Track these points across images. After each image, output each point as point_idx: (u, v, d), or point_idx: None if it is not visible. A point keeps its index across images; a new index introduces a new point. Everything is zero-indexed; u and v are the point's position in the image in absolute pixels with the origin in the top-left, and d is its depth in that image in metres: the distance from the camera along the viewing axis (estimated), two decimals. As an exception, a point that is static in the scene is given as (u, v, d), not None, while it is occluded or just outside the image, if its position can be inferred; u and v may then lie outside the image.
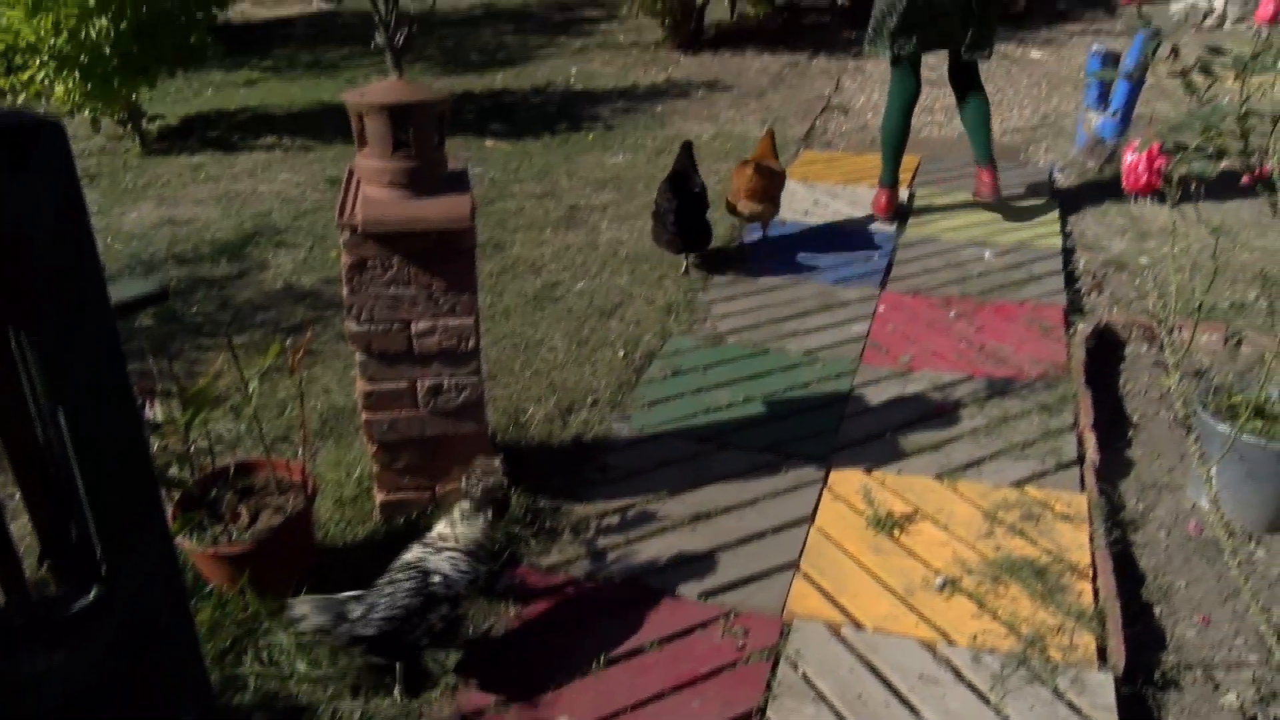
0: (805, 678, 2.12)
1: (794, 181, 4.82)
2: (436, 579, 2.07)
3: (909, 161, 4.94)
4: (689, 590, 2.37)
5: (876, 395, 3.17)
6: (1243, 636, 2.24)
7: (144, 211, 4.98)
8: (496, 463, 2.22)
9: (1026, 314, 3.63)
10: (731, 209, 4.18)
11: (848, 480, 2.75)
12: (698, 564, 2.45)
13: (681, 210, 3.87)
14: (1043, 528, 2.55)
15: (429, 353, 2.45)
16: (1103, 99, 4.98)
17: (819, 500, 2.68)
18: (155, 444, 2.26)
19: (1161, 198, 1.94)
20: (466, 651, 2.20)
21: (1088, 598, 2.31)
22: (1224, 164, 2.13)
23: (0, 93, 5.59)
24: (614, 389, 3.24)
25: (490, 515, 2.18)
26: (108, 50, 5.27)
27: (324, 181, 5.30)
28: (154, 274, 4.23)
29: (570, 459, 2.88)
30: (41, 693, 0.64)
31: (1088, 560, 2.43)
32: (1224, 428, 2.46)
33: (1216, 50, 2.16)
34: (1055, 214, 4.51)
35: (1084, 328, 3.47)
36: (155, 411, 2.26)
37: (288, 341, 3.44)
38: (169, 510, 2.31)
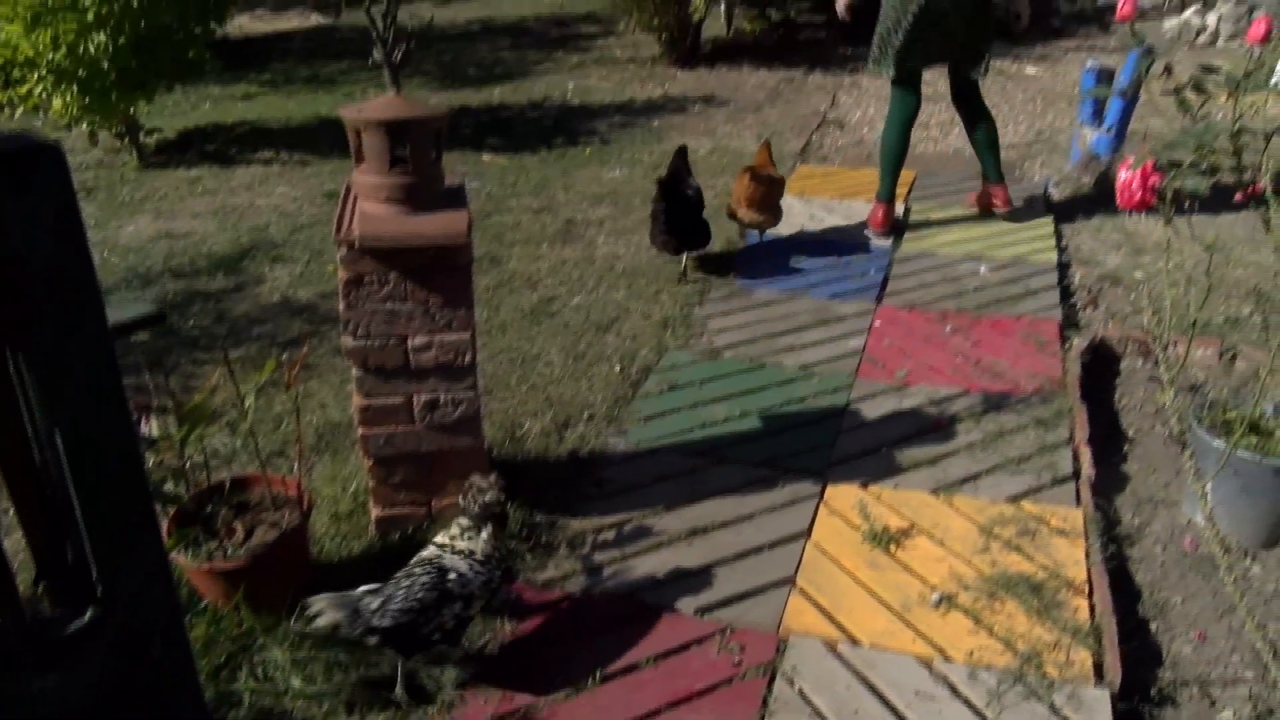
0: (802, 694, 2.12)
1: (790, 196, 4.83)
2: (453, 576, 2.10)
3: (905, 177, 4.97)
4: (685, 606, 2.36)
5: (873, 410, 3.17)
6: (1239, 653, 2.24)
7: (141, 225, 4.98)
8: (490, 479, 2.22)
9: (1022, 329, 3.64)
10: (732, 215, 4.31)
11: (844, 495, 2.75)
12: (694, 579, 2.45)
13: (672, 211, 3.99)
14: (1039, 543, 2.55)
15: (425, 368, 2.45)
16: (1097, 115, 5.01)
17: (815, 515, 2.68)
18: (151, 460, 2.26)
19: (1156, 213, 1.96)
20: (462, 668, 2.19)
21: (1084, 613, 2.31)
22: (1217, 178, 2.14)
23: (-2, 106, 5.61)
24: (610, 404, 3.24)
25: (491, 529, 2.18)
26: (106, 65, 5.29)
27: (321, 195, 5.31)
28: (150, 287, 4.23)
29: (566, 474, 2.88)
30: (35, 715, 0.64)
31: (1084, 576, 2.43)
32: (1219, 443, 2.46)
33: (1209, 68, 2.18)
34: (1051, 229, 4.53)
35: (1079, 342, 3.48)
36: (151, 427, 2.26)
37: (284, 356, 3.45)
38: (164, 526, 2.30)
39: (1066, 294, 3.96)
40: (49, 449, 0.62)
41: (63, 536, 0.67)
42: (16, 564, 0.74)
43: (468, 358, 2.45)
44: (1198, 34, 8.14)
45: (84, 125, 5.70)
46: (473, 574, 2.12)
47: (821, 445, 2.98)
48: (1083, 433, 2.95)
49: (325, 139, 6.25)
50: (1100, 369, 3.41)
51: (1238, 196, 2.20)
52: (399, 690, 2.09)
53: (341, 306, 2.37)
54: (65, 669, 0.65)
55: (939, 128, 6.15)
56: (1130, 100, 4.80)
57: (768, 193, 4.24)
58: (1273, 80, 2.18)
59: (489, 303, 3.97)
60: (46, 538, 0.67)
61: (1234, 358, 3.38)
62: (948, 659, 2.20)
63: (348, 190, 2.44)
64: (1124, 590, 2.42)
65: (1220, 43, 8.02)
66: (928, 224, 4.66)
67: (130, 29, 5.34)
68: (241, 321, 3.90)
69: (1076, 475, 2.81)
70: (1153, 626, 2.33)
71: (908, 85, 4.35)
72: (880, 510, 2.68)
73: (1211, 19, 8.15)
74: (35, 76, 5.33)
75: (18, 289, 0.57)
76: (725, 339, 3.64)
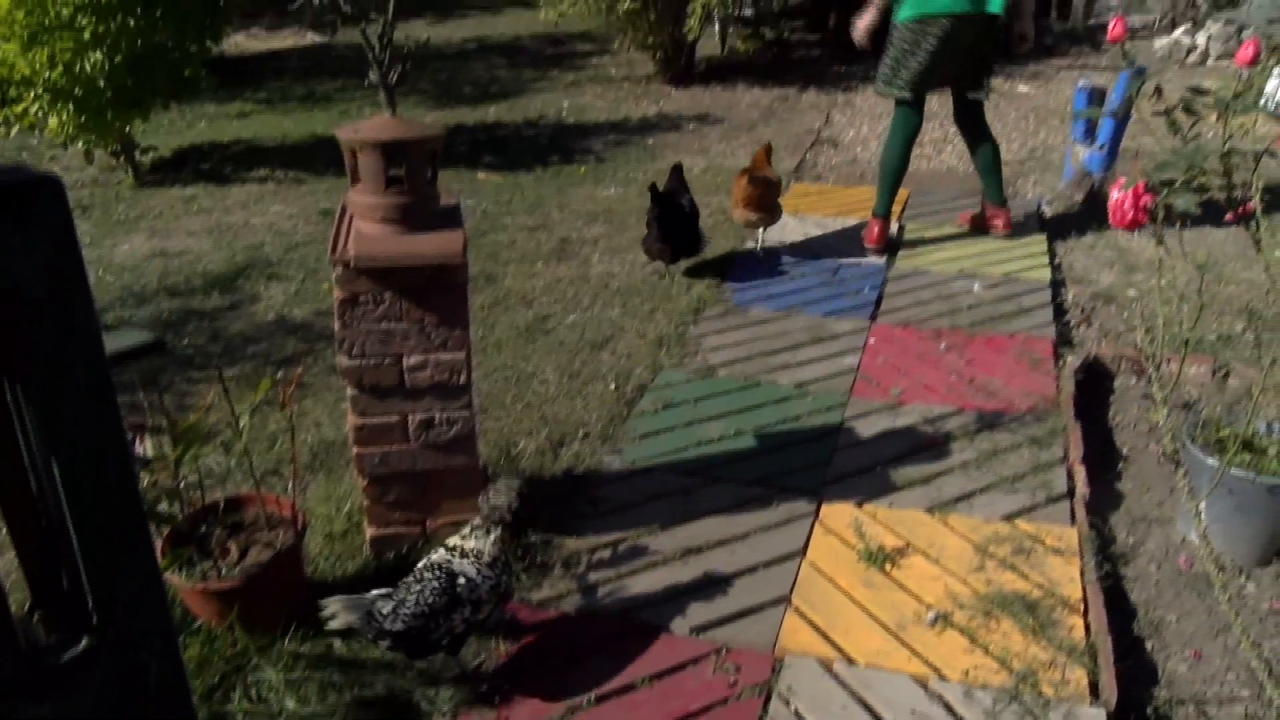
0: (797, 714, 2.11)
1: (785, 214, 4.85)
2: (461, 581, 2.11)
3: (899, 195, 4.99)
4: (680, 625, 2.36)
5: (867, 428, 3.18)
6: (1234, 671, 2.24)
7: (136, 243, 4.99)
8: (509, 484, 2.23)
9: (1016, 346, 3.65)
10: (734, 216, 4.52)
11: (839, 514, 2.75)
12: (689, 599, 2.44)
13: (666, 219, 4.18)
14: (1034, 561, 2.55)
15: (420, 387, 2.45)
16: (1090, 133, 5.05)
17: (810, 534, 2.68)
18: (145, 480, 2.25)
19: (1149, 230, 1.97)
20: (458, 688, 2.18)
21: (1079, 632, 2.31)
22: (1208, 196, 2.16)
23: (-6, 125, 5.62)
24: (605, 422, 3.24)
25: (499, 533, 2.19)
26: (102, 83, 5.31)
27: (316, 214, 5.32)
28: (145, 305, 4.22)
29: (561, 492, 2.88)
30: (29, 743, 0.64)
31: (1079, 594, 2.43)
32: (1212, 461, 2.47)
33: (1199, 90, 2.20)
34: (1044, 246, 4.56)
35: (1073, 360, 3.49)
36: (145, 447, 2.26)
37: (279, 375, 3.44)
38: (158, 546, 2.29)
39: (1060, 312, 3.97)
40: (46, 478, 0.62)
41: (58, 564, 0.67)
42: (9, 585, 0.74)
43: (463, 377, 2.46)
44: (1188, 53, 8.21)
45: (79, 144, 5.71)
46: (480, 579, 2.14)
47: (816, 464, 2.98)
48: (1077, 451, 2.95)
49: (321, 157, 6.27)
50: (1094, 387, 3.42)
51: (1228, 217, 2.21)
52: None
53: (337, 326, 2.38)
54: (60, 697, 0.65)
55: (932, 145, 6.18)
56: (1122, 119, 4.84)
57: (764, 193, 4.38)
58: (1261, 102, 2.20)
59: (484, 321, 3.98)
60: (42, 565, 0.67)
61: (1227, 375, 3.40)
62: (943, 678, 2.20)
63: (343, 210, 2.44)
64: (1119, 609, 2.42)
65: (1210, 61, 8.09)
66: (921, 241, 4.68)
67: (126, 48, 5.36)
68: (236, 340, 3.90)
69: (1071, 494, 2.81)
70: (1148, 645, 2.33)
71: (913, 104, 4.38)
72: (875, 529, 2.68)
73: (1201, 38, 8.22)
74: (31, 95, 5.35)
75: (16, 320, 0.57)
76: (720, 357, 3.65)
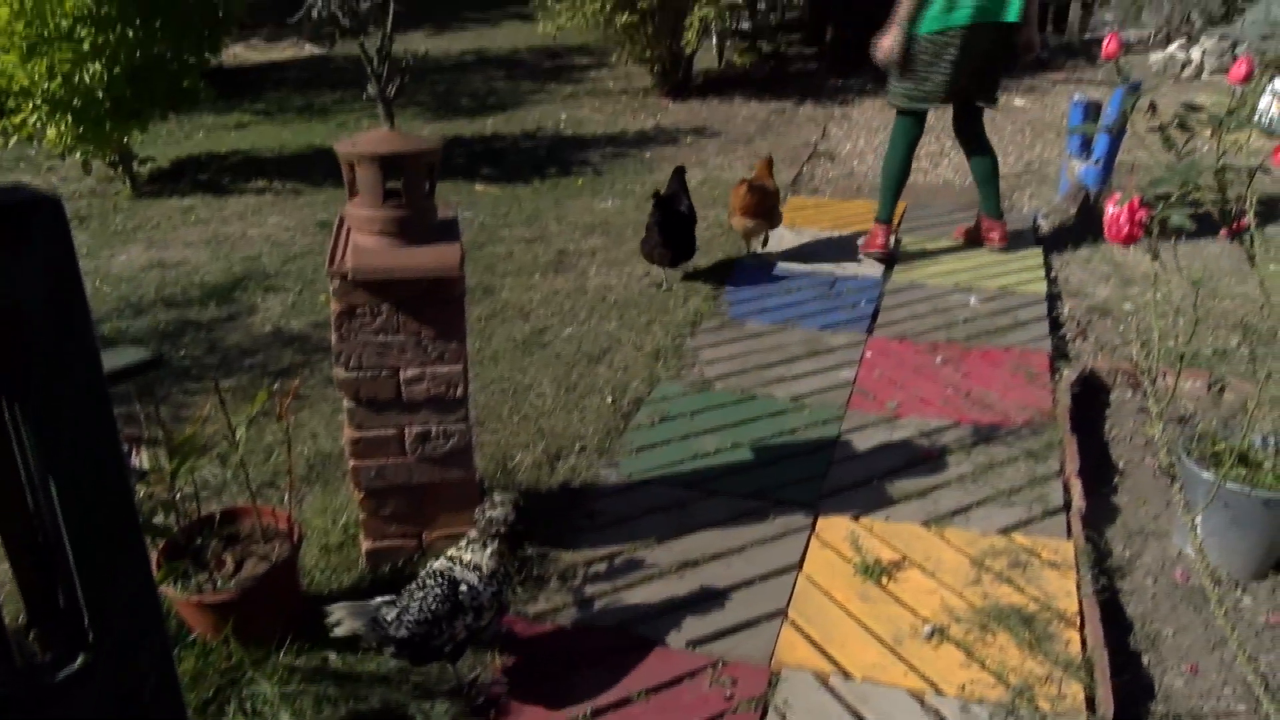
0: (794, 729, 2.11)
1: (782, 228, 4.87)
2: (464, 588, 2.12)
3: (895, 208, 5.01)
4: (676, 639, 2.36)
5: (864, 441, 3.18)
6: (1230, 685, 2.24)
7: (133, 254, 4.99)
8: (504, 497, 2.22)
9: (1012, 360, 3.66)
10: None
11: (835, 527, 2.75)
12: (685, 612, 2.44)
13: (667, 224, 4.24)
14: (1030, 575, 2.55)
15: (417, 400, 2.45)
16: (1085, 147, 5.07)
17: (807, 547, 2.67)
18: (141, 492, 2.25)
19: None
20: (453, 701, 2.18)
21: (1076, 646, 2.31)
22: (1202, 209, 2.16)
23: (-7, 135, 5.63)
24: (602, 435, 3.24)
25: (496, 546, 2.18)
26: (100, 94, 5.32)
27: (314, 225, 5.32)
28: (142, 316, 4.22)
29: (558, 505, 2.88)
30: (25, 760, 0.64)
31: (1075, 608, 2.43)
32: (1208, 475, 2.47)
33: (1192, 107, 2.21)
34: (1040, 260, 4.57)
35: (1069, 374, 3.50)
36: (141, 459, 2.26)
37: (275, 386, 3.44)
38: (154, 558, 2.29)
39: (1056, 325, 3.98)
40: (43, 495, 0.62)
41: (54, 580, 0.67)
42: (5, 601, 0.74)
43: (460, 390, 2.46)
44: (1183, 68, 8.25)
45: (78, 154, 5.72)
46: (482, 586, 2.14)
47: (813, 477, 2.98)
48: (1073, 464, 2.96)
49: (319, 169, 6.28)
50: (1090, 400, 3.42)
51: (1223, 232, 2.22)
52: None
53: (334, 338, 2.38)
54: (56, 714, 0.65)
55: (929, 159, 6.20)
56: (1117, 134, 4.86)
57: (760, 201, 4.44)
58: (1255, 118, 2.21)
59: (481, 333, 3.98)
60: (39, 582, 0.67)
61: (1222, 389, 3.40)
62: (940, 692, 2.20)
63: (341, 222, 2.45)
64: (1116, 623, 2.42)
65: (1205, 76, 8.13)
66: (918, 255, 4.69)
67: (125, 59, 5.37)
68: (233, 351, 3.90)
69: (1067, 507, 2.82)
70: (1145, 659, 2.32)
71: (917, 115, 4.40)
72: (872, 542, 2.68)
73: (1196, 53, 8.26)
74: (30, 106, 5.36)
75: (15, 339, 0.57)
76: (716, 370, 3.65)
